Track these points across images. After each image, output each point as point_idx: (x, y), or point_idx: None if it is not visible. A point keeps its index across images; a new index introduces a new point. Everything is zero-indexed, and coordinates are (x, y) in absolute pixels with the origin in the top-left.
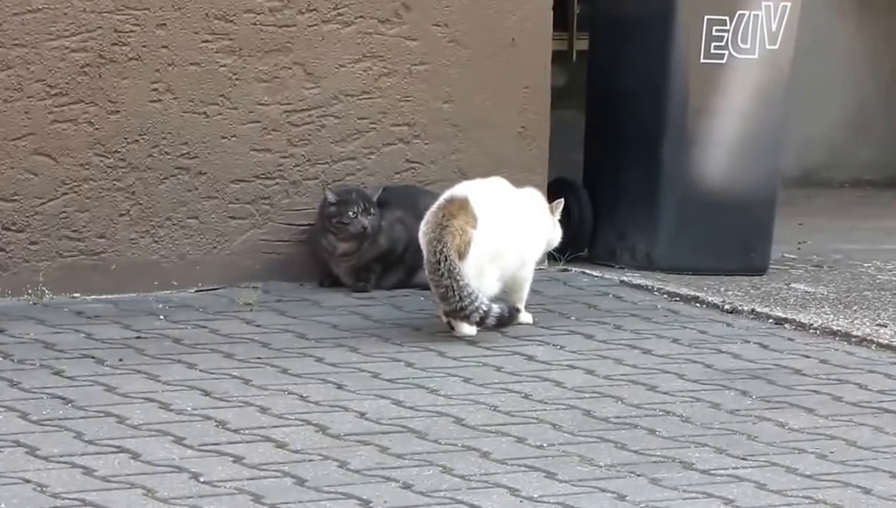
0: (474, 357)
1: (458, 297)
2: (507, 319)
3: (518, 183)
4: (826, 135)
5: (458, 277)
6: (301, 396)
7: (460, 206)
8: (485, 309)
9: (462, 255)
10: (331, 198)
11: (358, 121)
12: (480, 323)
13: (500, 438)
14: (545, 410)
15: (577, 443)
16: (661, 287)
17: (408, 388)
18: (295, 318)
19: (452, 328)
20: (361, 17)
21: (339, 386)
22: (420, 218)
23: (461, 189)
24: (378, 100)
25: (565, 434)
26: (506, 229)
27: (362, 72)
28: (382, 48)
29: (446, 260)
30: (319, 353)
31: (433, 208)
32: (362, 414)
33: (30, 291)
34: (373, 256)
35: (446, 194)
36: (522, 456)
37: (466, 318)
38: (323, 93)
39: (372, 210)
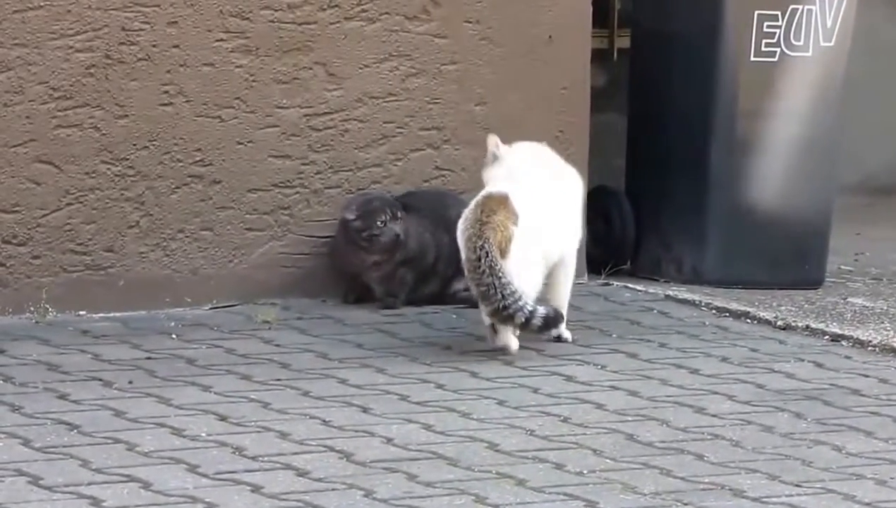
0: (509, 377)
1: (500, 296)
2: (554, 320)
3: None
4: (886, 138)
5: (500, 274)
6: (323, 420)
7: (500, 202)
8: (529, 309)
9: (504, 253)
10: (350, 214)
11: (383, 126)
12: (526, 325)
13: (537, 464)
14: (585, 434)
15: (619, 470)
16: (709, 302)
17: (438, 411)
18: (317, 337)
19: (496, 333)
20: (387, 13)
21: (365, 410)
22: (446, 221)
23: (501, 185)
24: (405, 103)
25: (607, 460)
26: (547, 225)
27: (388, 72)
28: (409, 46)
29: (487, 255)
30: (343, 374)
31: (471, 205)
32: (389, 440)
33: (32, 309)
34: (402, 260)
35: (484, 191)
36: (561, 484)
37: (511, 319)
38: (346, 96)
39: (399, 213)
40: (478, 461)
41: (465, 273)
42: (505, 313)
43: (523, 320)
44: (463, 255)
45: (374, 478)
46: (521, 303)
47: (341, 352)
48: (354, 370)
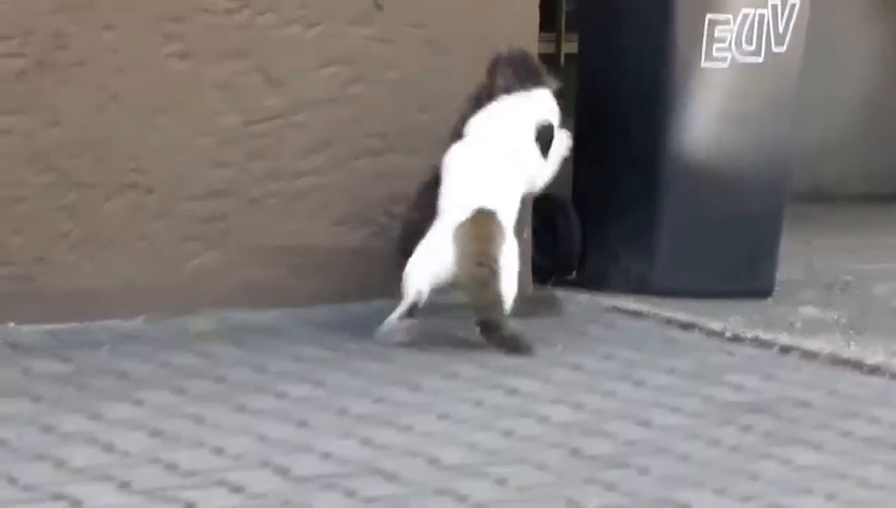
0: (451, 390)
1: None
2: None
3: None
4: (838, 145)
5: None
6: (260, 436)
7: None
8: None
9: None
10: None
11: (323, 133)
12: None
13: (479, 480)
14: (528, 448)
15: (563, 485)
16: (657, 312)
17: (378, 426)
18: (254, 350)
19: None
20: (328, 17)
21: (302, 425)
22: None
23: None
24: (346, 109)
25: (550, 475)
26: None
27: (329, 78)
28: (351, 52)
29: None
30: (281, 388)
31: (464, 221)
32: (327, 455)
33: None
34: None
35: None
36: (503, 499)
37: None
38: (285, 102)
39: None
40: (418, 476)
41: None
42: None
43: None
44: (459, 268)
45: (312, 495)
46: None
47: (279, 365)
48: (292, 383)
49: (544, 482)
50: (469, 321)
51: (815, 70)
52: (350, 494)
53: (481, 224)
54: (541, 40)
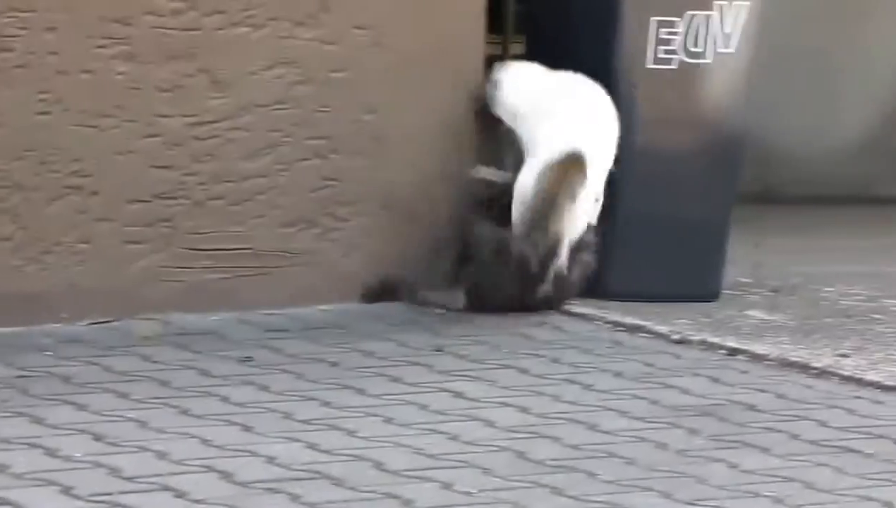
0: (397, 394)
1: None
2: None
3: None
4: (787, 147)
5: None
6: (204, 440)
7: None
8: None
9: None
10: None
11: (269, 135)
12: None
13: (425, 484)
14: (474, 452)
15: (509, 489)
16: (604, 315)
17: (323, 430)
18: (198, 353)
19: None
20: (274, 19)
21: (247, 429)
22: None
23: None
24: (292, 111)
25: (496, 479)
26: None
27: (275, 79)
28: (297, 53)
29: None
30: (225, 392)
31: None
32: (272, 459)
33: None
34: None
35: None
36: (449, 504)
37: None
38: (231, 104)
39: None
40: (363, 480)
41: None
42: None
43: None
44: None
45: (256, 499)
46: None
47: (223, 369)
48: (237, 387)
49: (490, 486)
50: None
51: (765, 73)
52: (294, 499)
53: (572, 164)
54: (488, 42)
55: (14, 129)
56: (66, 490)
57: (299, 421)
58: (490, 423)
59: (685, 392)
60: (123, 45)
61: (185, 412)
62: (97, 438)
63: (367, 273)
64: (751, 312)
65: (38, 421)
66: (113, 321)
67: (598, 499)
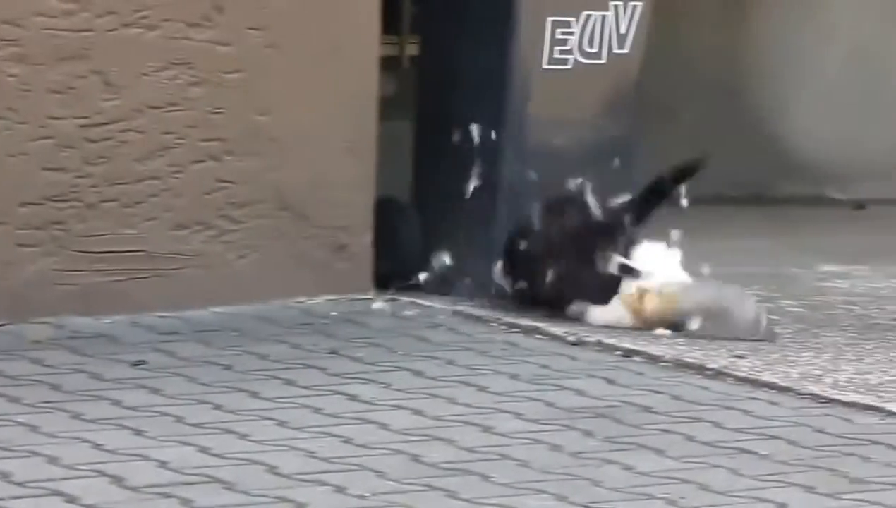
0: (290, 397)
1: None
2: None
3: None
4: (683, 146)
5: None
6: (95, 444)
7: None
8: None
9: None
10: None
11: (163, 137)
12: None
13: (318, 487)
14: (368, 455)
15: (403, 492)
16: (499, 317)
17: (215, 433)
18: (90, 357)
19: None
20: (168, 20)
21: (139, 433)
22: None
23: None
24: (186, 113)
25: (390, 482)
26: None
27: (168, 81)
28: (191, 54)
29: None
30: (117, 396)
31: None
32: (164, 463)
33: None
34: None
35: None
36: (342, 507)
37: None
38: (124, 106)
39: None
40: (256, 484)
41: None
42: None
43: None
44: None
45: (148, 504)
46: None
47: (115, 373)
48: (129, 391)
49: (384, 489)
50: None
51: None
52: (186, 503)
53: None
54: (384, 43)
55: None
56: None
57: (192, 425)
58: (384, 426)
59: (580, 393)
60: (14, 47)
61: (76, 416)
62: None
63: (261, 275)
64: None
65: None
66: (4, 324)
67: (492, 502)
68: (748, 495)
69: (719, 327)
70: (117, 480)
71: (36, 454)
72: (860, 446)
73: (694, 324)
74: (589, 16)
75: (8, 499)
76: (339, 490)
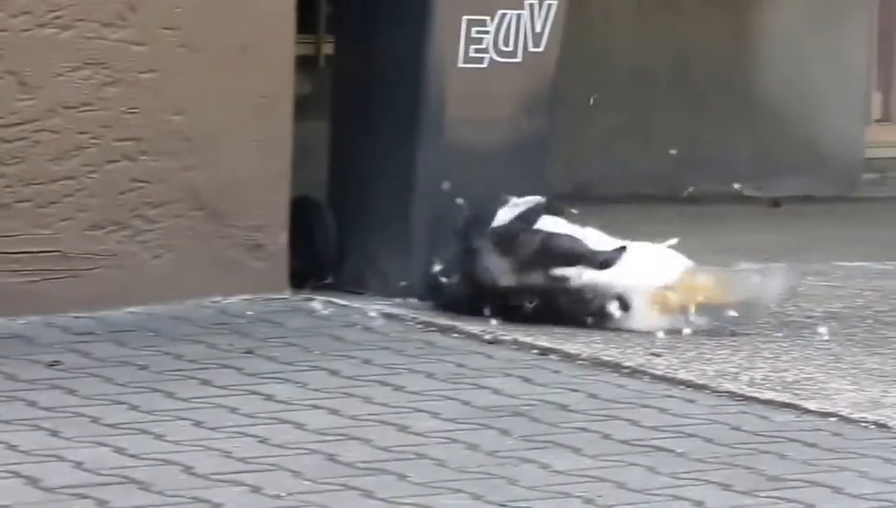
0: (206, 397)
1: None
2: None
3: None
4: (602, 145)
5: None
6: (9, 445)
7: None
8: None
9: None
10: None
11: (78, 136)
12: None
13: (233, 487)
14: (284, 455)
15: (319, 492)
16: (416, 316)
17: (131, 434)
18: (5, 358)
19: None
20: (82, 20)
21: (54, 433)
22: None
23: None
24: (100, 113)
25: (306, 482)
26: None
27: (82, 81)
28: (105, 54)
29: None
30: (32, 396)
31: None
32: (79, 464)
33: None
34: None
35: None
36: (258, 507)
37: None
38: (38, 106)
39: None
40: (172, 484)
41: None
42: None
43: None
44: None
45: (63, 504)
46: None
47: (30, 373)
48: (44, 391)
49: (300, 489)
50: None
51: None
52: (102, 504)
53: None
54: (300, 42)
55: None
56: None
57: (107, 426)
58: (300, 426)
59: (497, 392)
60: None
61: None
62: None
63: (176, 275)
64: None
65: None
66: None
67: (409, 501)
68: (665, 493)
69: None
70: (32, 481)
71: None
72: (777, 443)
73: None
74: (504, 14)
75: None
76: (255, 490)
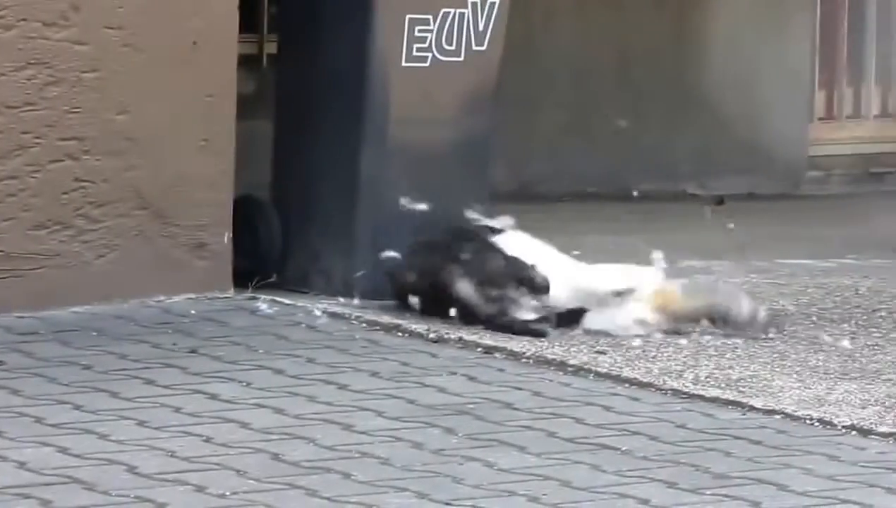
0: (150, 397)
1: None
2: None
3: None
4: (545, 144)
5: None
6: None
7: None
8: None
9: None
10: None
11: (21, 136)
12: None
13: (178, 487)
14: (228, 454)
15: (263, 490)
16: (360, 315)
17: (75, 434)
18: None
19: None
20: (24, 19)
21: None
22: None
23: None
24: (43, 112)
25: (250, 481)
26: None
27: (25, 80)
28: (48, 54)
29: None
30: None
31: None
32: (23, 464)
33: None
34: None
35: None
36: (202, 507)
37: None
38: None
39: None
40: (116, 484)
41: None
42: None
43: None
44: None
45: (6, 505)
46: None
47: None
48: None
49: (244, 488)
50: None
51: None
52: (45, 504)
53: None
54: (243, 41)
55: None
56: None
57: (50, 425)
58: (245, 425)
59: (442, 390)
60: None
61: None
62: None
63: (120, 274)
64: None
65: None
66: None
67: (353, 500)
68: (610, 491)
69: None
70: None
71: None
72: (722, 441)
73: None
74: (447, 13)
75: None
76: (200, 489)
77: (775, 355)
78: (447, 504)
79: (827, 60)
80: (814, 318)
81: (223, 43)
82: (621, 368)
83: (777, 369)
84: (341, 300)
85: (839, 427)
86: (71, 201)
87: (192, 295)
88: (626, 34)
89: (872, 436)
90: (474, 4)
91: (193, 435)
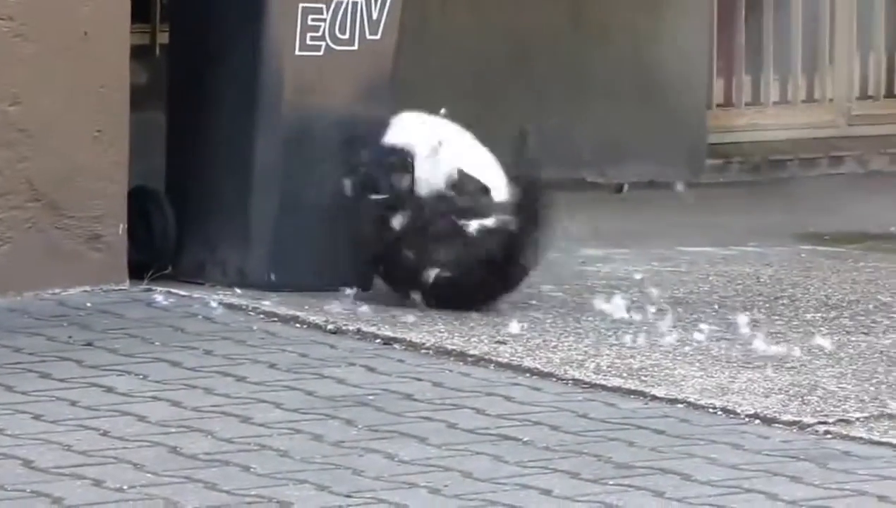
0: (45, 390)
1: None
2: None
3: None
4: None
5: None
6: None
7: None
8: None
9: None
10: None
11: None
12: None
13: (75, 481)
14: (125, 448)
15: (161, 484)
16: (257, 306)
17: None
18: None
19: None
20: None
21: None
22: None
23: None
24: None
25: (148, 475)
26: None
27: None
28: None
29: None
30: None
31: None
32: None
33: None
34: None
35: None
36: (100, 501)
37: None
38: None
39: None
40: (11, 479)
41: None
42: None
43: None
44: None
45: None
46: None
47: None
48: None
49: (142, 482)
50: None
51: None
52: None
53: None
54: (135, 31)
55: None
56: None
57: None
58: (142, 418)
59: (340, 382)
60: None
61: None
62: None
63: (14, 267)
64: (408, 301)
65: None
66: None
67: (253, 493)
68: (512, 482)
69: None
70: None
71: None
72: (624, 430)
73: None
74: (340, 2)
75: None
76: (97, 483)
77: (677, 343)
78: (347, 496)
79: (725, 47)
80: (715, 306)
81: (115, 33)
82: (522, 358)
83: (679, 358)
84: (238, 291)
85: (742, 416)
86: None
87: (88, 288)
88: (521, 20)
89: (776, 425)
90: None
91: (90, 429)
